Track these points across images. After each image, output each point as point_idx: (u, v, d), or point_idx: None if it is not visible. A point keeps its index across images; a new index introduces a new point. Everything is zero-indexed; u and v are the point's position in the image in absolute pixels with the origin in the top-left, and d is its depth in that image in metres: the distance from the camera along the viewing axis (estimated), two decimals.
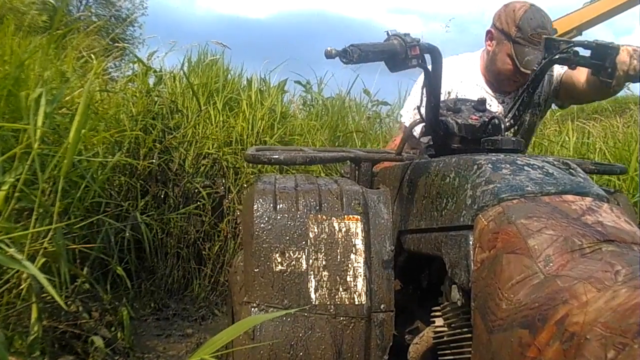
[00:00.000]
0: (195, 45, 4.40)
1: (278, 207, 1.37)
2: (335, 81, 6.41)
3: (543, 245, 1.00)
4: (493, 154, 1.32)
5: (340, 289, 1.33)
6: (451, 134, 1.54)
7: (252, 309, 1.32)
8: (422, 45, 1.31)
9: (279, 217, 1.36)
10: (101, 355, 2.21)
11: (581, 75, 1.98)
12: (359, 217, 1.39)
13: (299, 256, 1.34)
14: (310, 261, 1.33)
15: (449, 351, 1.23)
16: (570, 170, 1.22)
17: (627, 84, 1.79)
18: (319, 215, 1.37)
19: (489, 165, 1.20)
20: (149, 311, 3.08)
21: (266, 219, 1.36)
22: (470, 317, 1.09)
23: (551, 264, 0.96)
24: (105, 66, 3.69)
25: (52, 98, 2.15)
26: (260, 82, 4.32)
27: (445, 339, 1.24)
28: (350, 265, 1.35)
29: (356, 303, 1.33)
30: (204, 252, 3.40)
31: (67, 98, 2.71)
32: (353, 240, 1.37)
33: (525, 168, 1.20)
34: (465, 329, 1.16)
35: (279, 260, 1.33)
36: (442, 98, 1.51)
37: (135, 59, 3.98)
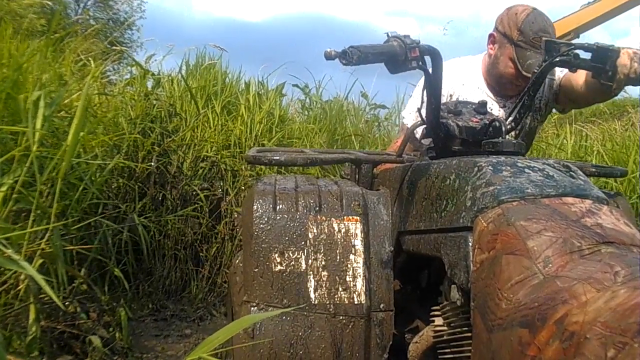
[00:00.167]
0: (193, 48, 4.41)
1: (278, 207, 1.38)
2: (333, 84, 6.42)
3: (542, 247, 1.00)
4: (494, 156, 1.32)
5: (340, 289, 1.33)
6: (452, 136, 1.54)
7: (252, 309, 1.32)
8: (422, 47, 1.30)
9: (278, 218, 1.37)
10: (99, 355, 2.21)
11: (580, 77, 1.97)
12: (358, 218, 1.39)
13: (299, 256, 1.34)
14: (310, 261, 1.34)
15: (448, 350, 1.23)
16: (571, 172, 1.23)
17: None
18: (319, 216, 1.38)
19: (490, 167, 1.20)
20: (147, 312, 3.08)
21: (266, 219, 1.36)
22: (469, 316, 1.09)
23: (550, 265, 0.97)
24: (103, 69, 3.68)
25: (50, 101, 2.16)
26: (258, 85, 4.33)
27: (444, 338, 1.25)
28: (349, 265, 1.35)
29: (355, 302, 1.33)
30: (201, 254, 3.40)
31: (65, 101, 2.71)
32: (352, 240, 1.37)
33: (526, 170, 1.20)
34: (465, 328, 1.17)
35: (279, 260, 1.33)
36: (443, 100, 1.51)
37: (134, 63, 3.98)
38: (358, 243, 1.37)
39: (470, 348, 1.10)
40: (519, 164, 1.22)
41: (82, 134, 2.17)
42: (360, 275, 1.35)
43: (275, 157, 1.57)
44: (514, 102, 2.12)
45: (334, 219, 1.38)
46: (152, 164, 3.30)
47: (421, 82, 1.86)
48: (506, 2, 2.17)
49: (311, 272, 1.33)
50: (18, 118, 2.15)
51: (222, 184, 3.53)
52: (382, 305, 1.36)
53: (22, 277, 1.94)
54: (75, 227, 2.34)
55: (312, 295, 1.32)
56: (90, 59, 3.59)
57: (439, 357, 1.26)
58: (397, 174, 1.53)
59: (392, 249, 1.43)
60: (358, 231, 1.38)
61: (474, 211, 1.15)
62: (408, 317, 1.51)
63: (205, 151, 3.53)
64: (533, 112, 2.17)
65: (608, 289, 0.82)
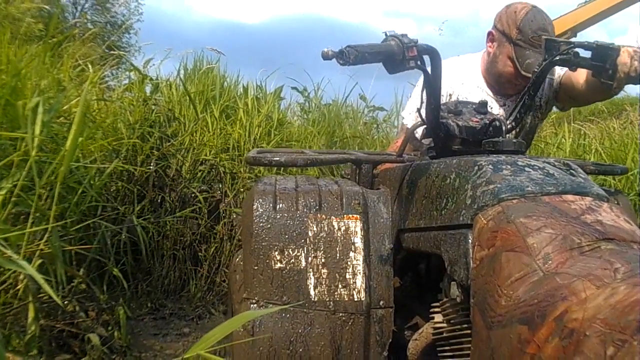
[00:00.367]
0: (191, 52, 4.41)
1: (278, 206, 1.38)
2: (332, 87, 6.42)
3: (542, 244, 1.00)
4: (494, 155, 1.32)
5: (340, 286, 1.33)
6: (452, 136, 1.53)
7: (252, 306, 1.32)
8: (420, 46, 1.29)
9: (278, 216, 1.37)
10: (98, 354, 2.21)
11: (580, 76, 1.96)
12: (358, 216, 1.40)
13: (298, 254, 1.34)
14: (310, 259, 1.34)
15: (448, 347, 1.23)
16: (571, 170, 1.23)
17: None
18: (319, 215, 1.38)
19: (490, 166, 1.21)
20: (146, 311, 3.09)
21: (265, 218, 1.37)
22: (469, 313, 1.09)
23: (550, 262, 0.96)
24: (101, 75, 3.68)
25: (49, 107, 2.16)
26: (256, 89, 4.33)
27: (444, 334, 1.25)
28: (349, 263, 1.35)
29: (355, 299, 1.33)
30: (200, 254, 3.40)
31: (64, 107, 2.71)
32: (352, 238, 1.37)
33: (526, 169, 1.20)
34: (465, 325, 1.17)
35: (278, 258, 1.34)
36: (443, 100, 1.51)
37: (132, 67, 3.98)
38: (358, 240, 1.37)
39: (469, 345, 1.10)
40: (519, 163, 1.22)
41: (80, 139, 2.17)
42: (360, 273, 1.35)
43: (275, 158, 1.57)
44: (513, 100, 2.11)
45: (334, 217, 1.38)
46: (151, 167, 3.30)
47: (420, 82, 1.85)
48: (505, 0, 2.15)
49: (311, 270, 1.34)
50: (17, 124, 2.15)
51: (220, 186, 3.53)
52: (381, 302, 1.36)
53: (21, 276, 1.95)
54: (74, 228, 2.34)
55: (311, 292, 1.32)
56: (88, 64, 3.58)
57: (439, 354, 1.26)
58: (397, 173, 1.53)
59: (392, 246, 1.43)
60: (358, 229, 1.38)
61: (474, 209, 1.15)
62: (408, 314, 1.51)
63: (204, 155, 3.53)
64: (533, 110, 2.16)
65: (608, 286, 0.82)
